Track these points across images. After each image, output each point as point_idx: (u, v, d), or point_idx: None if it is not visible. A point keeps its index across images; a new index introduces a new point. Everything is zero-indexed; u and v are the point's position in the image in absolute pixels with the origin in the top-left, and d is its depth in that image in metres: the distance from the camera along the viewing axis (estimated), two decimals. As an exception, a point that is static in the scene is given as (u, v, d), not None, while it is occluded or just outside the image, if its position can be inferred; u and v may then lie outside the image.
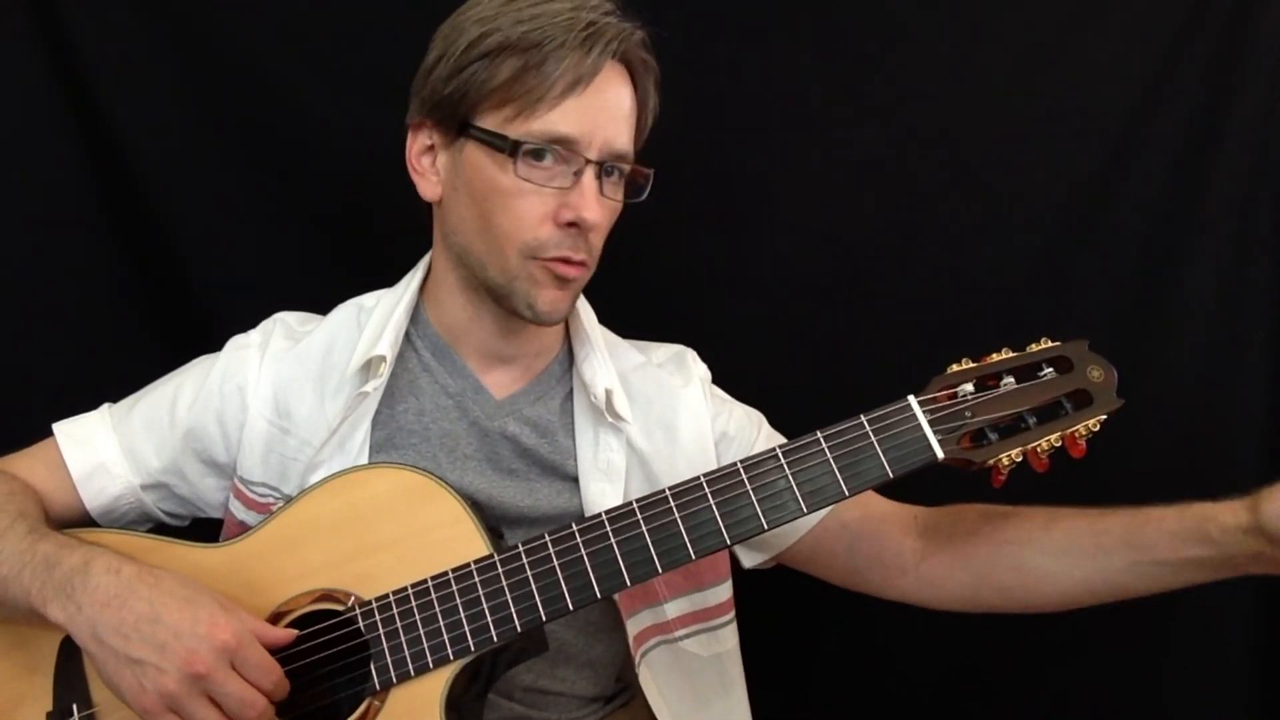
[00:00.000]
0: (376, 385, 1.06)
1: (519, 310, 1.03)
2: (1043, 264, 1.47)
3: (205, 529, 1.15)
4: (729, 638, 1.13)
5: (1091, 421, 0.97)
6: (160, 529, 1.15)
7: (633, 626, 1.07)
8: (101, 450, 1.11)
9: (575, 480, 1.08)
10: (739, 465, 0.95)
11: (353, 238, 1.49)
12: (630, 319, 1.20)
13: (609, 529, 0.95)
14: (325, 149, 1.47)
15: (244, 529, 1.06)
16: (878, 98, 1.46)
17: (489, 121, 1.00)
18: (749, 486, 0.95)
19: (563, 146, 0.99)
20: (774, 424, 1.16)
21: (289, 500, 1.02)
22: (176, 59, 1.44)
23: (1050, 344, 1.00)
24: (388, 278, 1.18)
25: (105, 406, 1.16)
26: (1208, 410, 1.45)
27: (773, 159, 1.47)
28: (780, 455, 0.95)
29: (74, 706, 0.98)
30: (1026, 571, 1.01)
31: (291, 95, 1.47)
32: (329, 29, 1.45)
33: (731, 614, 1.14)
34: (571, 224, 1.00)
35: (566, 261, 1.02)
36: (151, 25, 1.43)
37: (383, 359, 1.06)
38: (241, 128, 1.47)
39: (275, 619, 0.98)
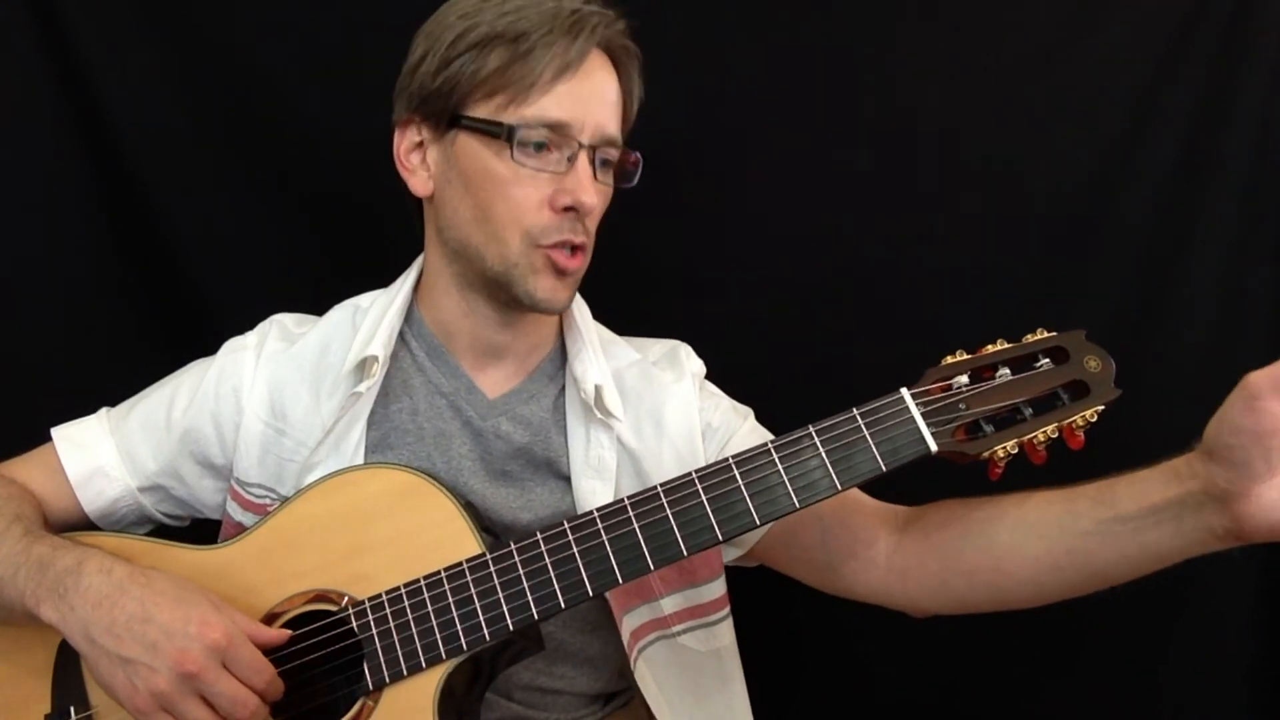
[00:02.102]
0: (370, 386, 1.06)
1: (518, 298, 1.03)
2: (1043, 261, 1.46)
3: (204, 530, 1.15)
4: (725, 633, 1.12)
5: (1089, 412, 0.95)
6: (160, 530, 1.16)
7: (630, 622, 1.06)
8: (99, 454, 1.11)
9: (568, 479, 1.08)
10: (730, 460, 0.94)
11: (351, 239, 1.49)
12: (624, 315, 1.19)
13: (600, 526, 0.95)
14: (324, 149, 1.47)
15: (241, 530, 1.06)
16: (877, 94, 1.45)
17: (480, 110, 1.02)
18: (741, 482, 0.94)
19: (556, 131, 1.00)
20: (768, 418, 1.14)
21: (284, 501, 1.03)
22: (176, 59, 1.45)
23: (1046, 334, 0.99)
24: (385, 278, 1.18)
25: (103, 410, 1.16)
26: (1208, 406, 1.43)
27: (769, 156, 1.46)
28: (772, 450, 0.95)
29: (71, 709, 0.98)
30: (993, 549, 0.96)
31: (290, 96, 1.47)
32: (329, 29, 1.45)
33: (727, 609, 1.13)
34: (568, 209, 1.01)
35: (567, 248, 1.02)
36: (151, 25, 1.44)
37: (375, 359, 1.06)
38: (241, 129, 1.47)
39: (270, 620, 0.98)
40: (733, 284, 1.49)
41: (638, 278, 1.11)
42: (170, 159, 1.46)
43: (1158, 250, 1.45)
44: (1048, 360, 0.98)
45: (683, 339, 1.20)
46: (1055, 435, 0.96)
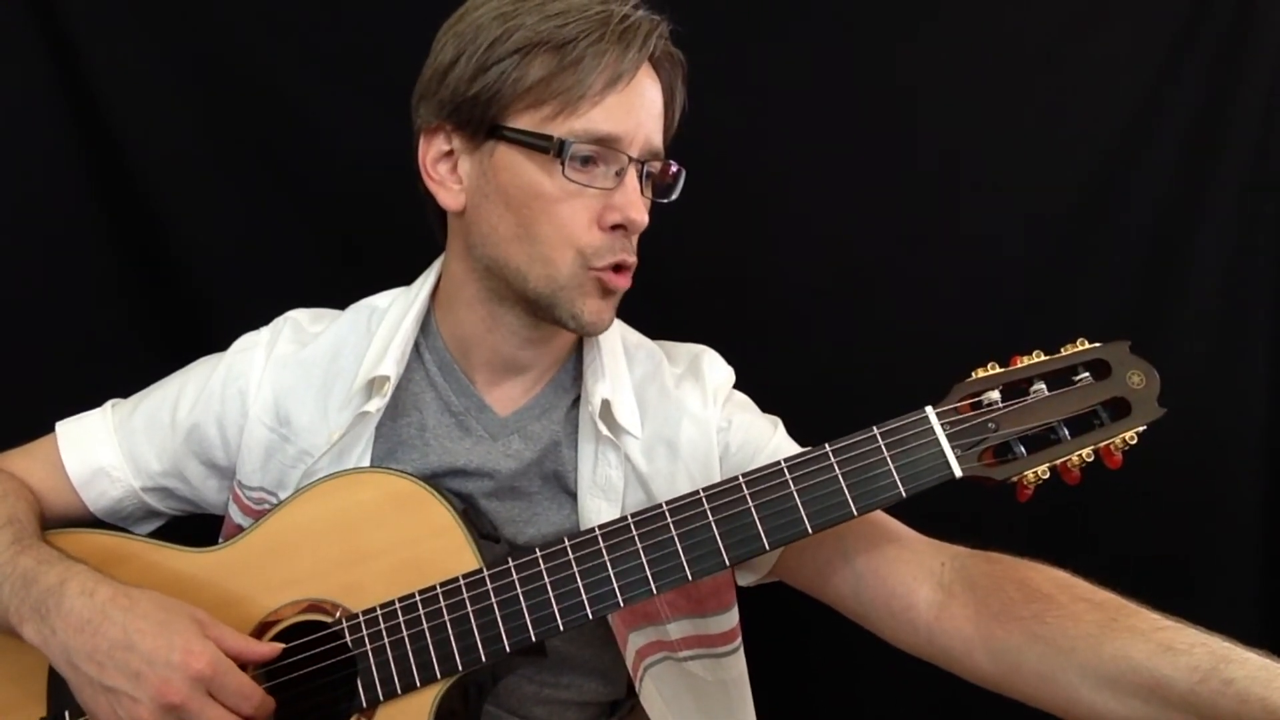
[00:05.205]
0: (379, 406, 1.02)
1: (562, 321, 0.97)
2: (1043, 261, 1.46)
3: (206, 527, 1.13)
4: (734, 665, 1.08)
5: (1129, 434, 0.89)
6: (160, 528, 1.14)
7: (636, 640, 1.02)
8: (101, 455, 1.09)
9: (575, 496, 1.03)
10: (740, 480, 0.90)
11: (356, 235, 1.46)
12: (639, 321, 1.14)
13: (602, 545, 0.90)
14: (328, 146, 1.43)
15: (239, 533, 1.03)
16: (886, 98, 1.43)
17: (524, 122, 0.94)
18: (751, 503, 0.89)
19: (604, 145, 0.94)
20: (789, 431, 1.09)
21: (280, 503, 0.99)
22: (177, 57, 1.42)
23: (1087, 345, 0.92)
24: (394, 275, 1.13)
25: (109, 404, 1.13)
26: (1209, 410, 1.44)
27: (769, 157, 1.44)
28: (785, 470, 0.89)
29: (66, 714, 0.97)
30: (1057, 688, 0.82)
31: (292, 92, 1.43)
32: (329, 26, 1.42)
33: (737, 642, 1.08)
34: (617, 226, 0.95)
35: (619, 268, 0.97)
36: (152, 25, 1.40)
37: (386, 379, 1.02)
38: (242, 126, 1.44)
39: (263, 629, 0.96)
40: (749, 289, 1.46)
41: (652, 283, 1.06)
42: (171, 156, 1.43)
43: (1158, 251, 1.44)
44: (1088, 375, 0.91)
45: (693, 340, 1.14)
46: (1091, 458, 0.89)
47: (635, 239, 0.99)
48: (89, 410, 1.13)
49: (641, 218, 0.95)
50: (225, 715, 0.86)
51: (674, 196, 1.02)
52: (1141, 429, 0.89)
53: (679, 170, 1.02)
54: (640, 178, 0.96)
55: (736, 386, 1.10)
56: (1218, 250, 1.43)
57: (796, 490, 0.88)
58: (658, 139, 0.99)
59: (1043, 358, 0.92)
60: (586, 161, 0.94)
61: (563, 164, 0.92)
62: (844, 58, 1.42)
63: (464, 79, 0.95)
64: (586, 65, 0.92)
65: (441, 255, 1.09)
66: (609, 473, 1.02)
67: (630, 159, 0.95)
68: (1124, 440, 0.89)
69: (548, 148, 0.93)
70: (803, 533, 0.88)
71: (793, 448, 1.05)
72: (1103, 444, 0.89)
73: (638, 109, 0.95)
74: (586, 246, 0.95)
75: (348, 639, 0.93)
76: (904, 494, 0.87)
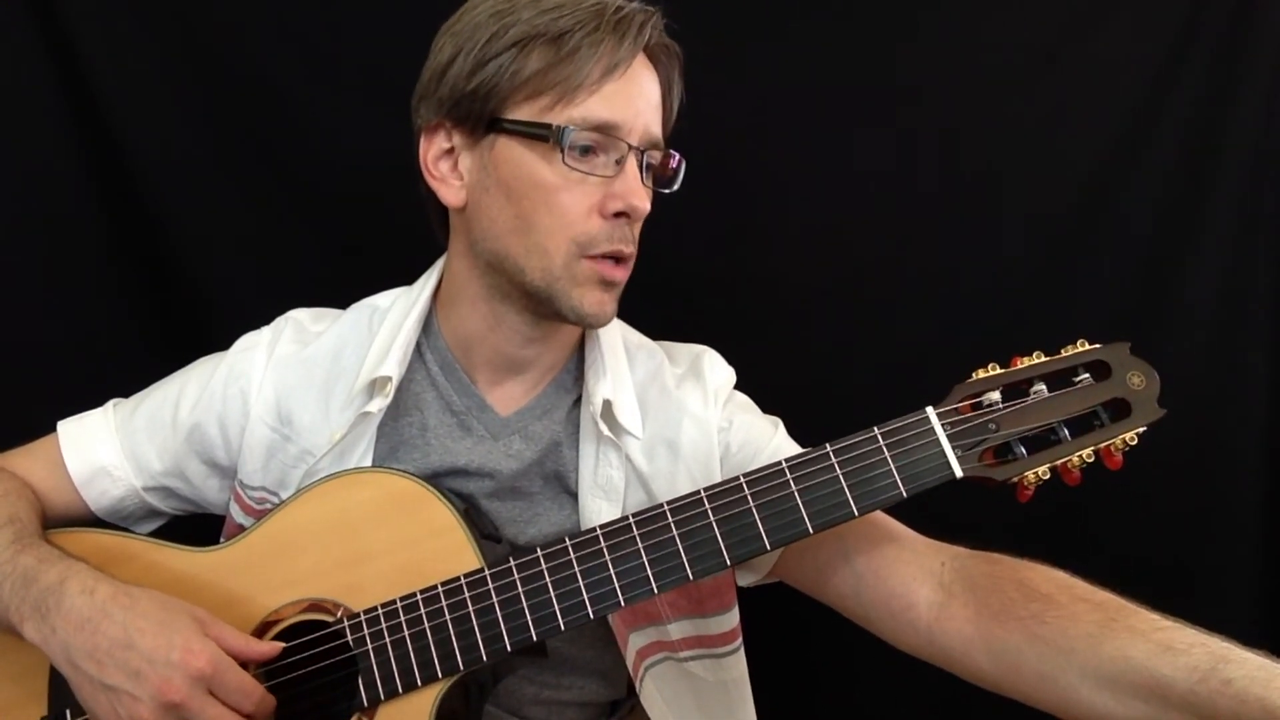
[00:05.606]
0: (381, 406, 1.02)
1: (564, 314, 0.97)
2: (1044, 261, 1.46)
3: (207, 527, 1.13)
4: (734, 666, 1.08)
5: (1129, 434, 0.89)
6: (162, 527, 1.14)
7: (636, 640, 1.02)
8: (103, 454, 1.09)
9: (576, 496, 1.03)
10: (742, 480, 0.90)
11: (357, 235, 1.46)
12: (639, 321, 1.14)
13: (603, 545, 0.90)
14: (328, 147, 1.44)
15: (241, 532, 1.03)
16: (886, 98, 1.44)
17: (523, 113, 0.95)
18: (752, 503, 0.89)
19: (604, 133, 0.94)
20: (789, 431, 1.09)
21: (282, 503, 1.00)
22: (177, 57, 1.42)
23: (1088, 346, 0.92)
24: (394, 275, 1.13)
25: (110, 404, 1.13)
26: (1209, 410, 1.45)
27: (768, 157, 1.44)
28: (786, 470, 0.89)
29: (67, 713, 0.97)
30: (1056, 688, 0.82)
31: (291, 93, 1.44)
32: (329, 27, 1.42)
33: (738, 642, 1.08)
34: (619, 214, 0.95)
35: (617, 257, 0.97)
36: (152, 25, 1.41)
37: (388, 379, 1.02)
38: (242, 127, 1.44)
39: (265, 628, 0.96)
40: (748, 290, 1.46)
41: (650, 284, 1.06)
42: (171, 156, 1.43)
43: (1158, 251, 1.45)
44: (1088, 375, 0.91)
45: (693, 340, 1.14)
46: (1092, 459, 0.89)
47: (637, 229, 0.99)
48: (90, 410, 1.13)
49: (644, 204, 0.96)
50: (226, 713, 0.86)
51: (675, 187, 1.03)
52: (1142, 430, 0.89)
53: (680, 161, 1.02)
54: (641, 167, 0.97)
55: (737, 387, 1.11)
56: (1218, 250, 1.43)
57: (797, 490, 0.89)
58: (656, 129, 0.99)
59: (1043, 358, 0.92)
60: (586, 151, 0.94)
61: (562, 152, 0.93)
62: (844, 57, 1.42)
63: (462, 75, 0.95)
64: (583, 55, 0.93)
65: (443, 255, 1.09)
66: (610, 473, 1.02)
67: (630, 147, 0.95)
68: (1124, 441, 0.89)
69: (547, 136, 0.93)
70: (804, 533, 0.88)
71: (793, 448, 1.05)
72: (1103, 445, 0.89)
73: (635, 97, 0.96)
74: (581, 234, 0.95)
75: (349, 638, 0.93)
76: (905, 494, 0.88)
